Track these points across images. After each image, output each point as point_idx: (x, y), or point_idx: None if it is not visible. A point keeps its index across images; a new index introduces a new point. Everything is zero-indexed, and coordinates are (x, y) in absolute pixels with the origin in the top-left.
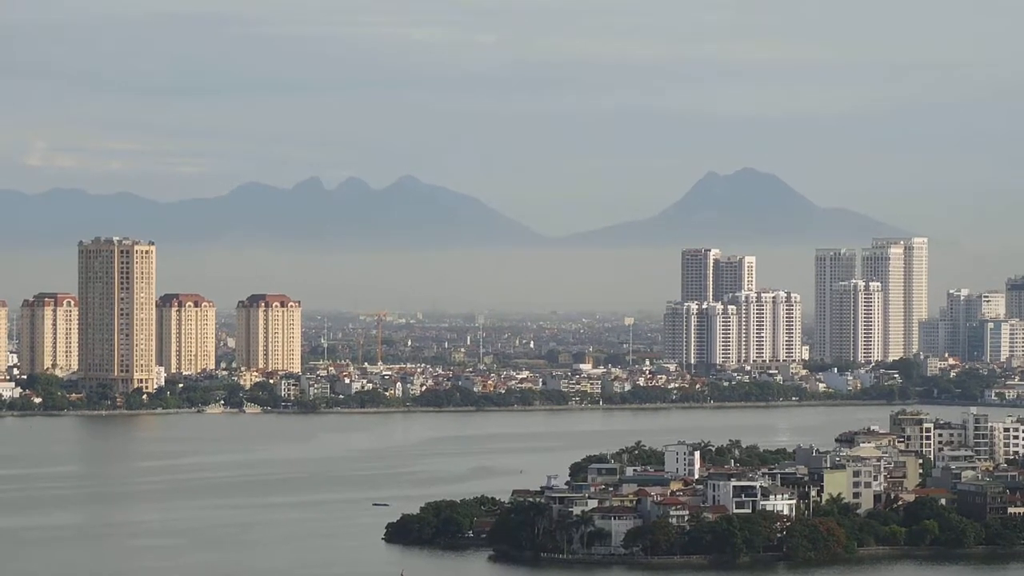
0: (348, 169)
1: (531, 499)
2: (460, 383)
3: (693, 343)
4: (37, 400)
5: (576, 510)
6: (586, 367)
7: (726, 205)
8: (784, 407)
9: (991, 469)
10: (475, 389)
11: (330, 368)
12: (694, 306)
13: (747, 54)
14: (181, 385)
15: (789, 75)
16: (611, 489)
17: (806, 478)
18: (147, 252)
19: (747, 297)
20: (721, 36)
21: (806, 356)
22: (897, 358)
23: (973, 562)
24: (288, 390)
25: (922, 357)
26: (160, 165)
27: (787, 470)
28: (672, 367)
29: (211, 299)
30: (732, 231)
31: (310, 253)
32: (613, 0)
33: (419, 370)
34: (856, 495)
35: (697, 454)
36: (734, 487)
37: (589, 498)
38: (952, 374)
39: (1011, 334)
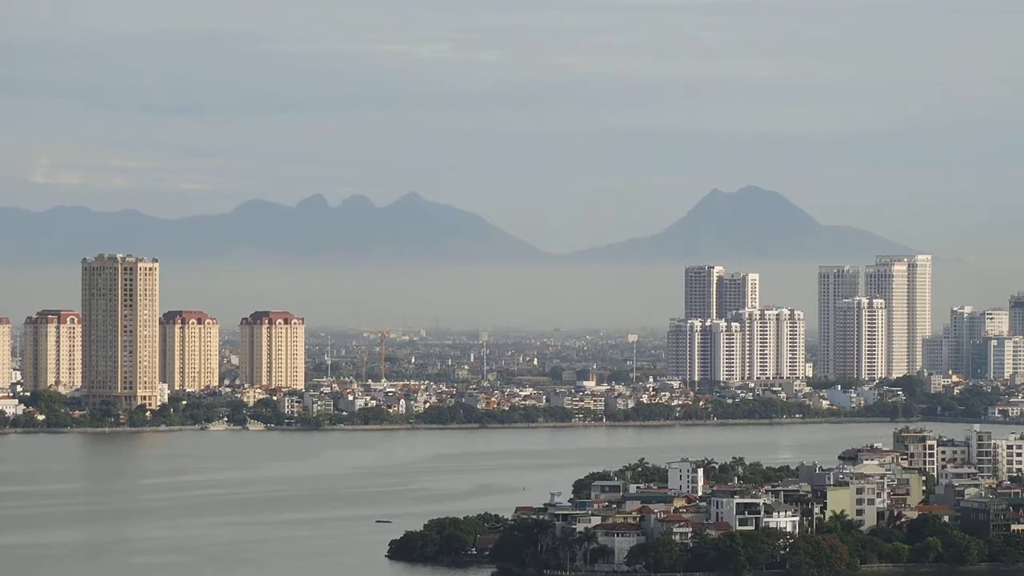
0: (352, 186)
1: (534, 516)
2: (464, 400)
3: (697, 360)
4: (40, 417)
5: (579, 527)
6: (590, 384)
7: (730, 222)
8: (788, 424)
9: (994, 486)
10: (479, 406)
11: (333, 385)
12: (698, 323)
13: (751, 72)
14: (184, 402)
15: (793, 93)
16: (614, 506)
17: (809, 495)
18: (151, 269)
19: (751, 314)
20: (725, 54)
21: (810, 373)
22: (901, 375)
23: None
24: (291, 407)
25: (926, 374)
26: (164, 182)
27: (790, 487)
28: (676, 384)
29: (215, 316)
30: (736, 248)
31: (314, 270)
32: (617, 18)
33: (423, 387)
34: (859, 512)
35: (700, 471)
36: (737, 504)
37: (592, 515)
38: (955, 391)
39: (1014, 352)
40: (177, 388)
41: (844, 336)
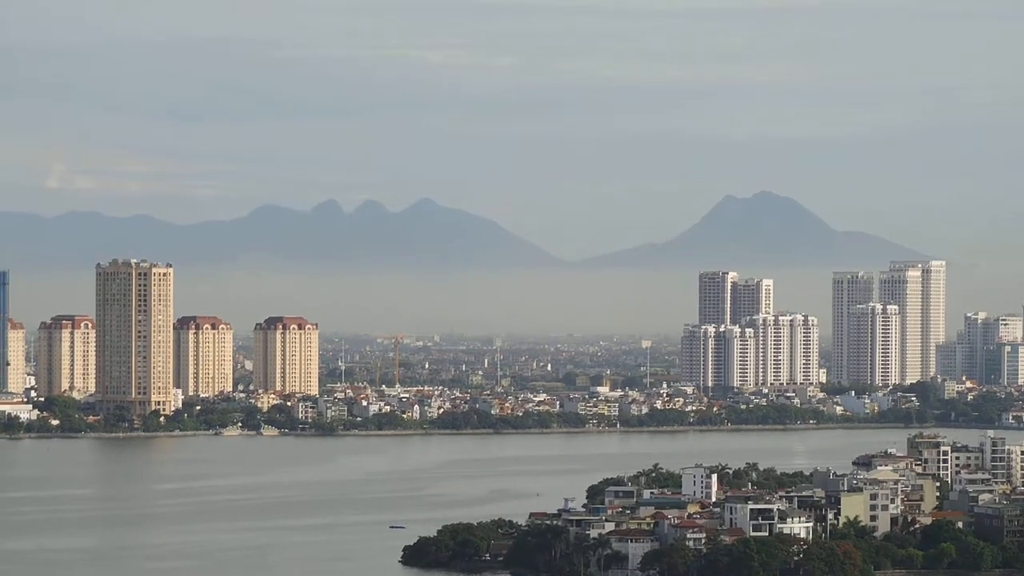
0: (366, 192)
1: (548, 522)
2: (477, 406)
3: (710, 366)
4: (55, 422)
5: (593, 533)
6: (603, 390)
7: (743, 228)
8: (801, 430)
9: (1008, 492)
10: (492, 412)
11: (347, 391)
12: (711, 329)
13: (764, 77)
14: (198, 407)
15: (807, 98)
16: (628, 512)
17: (823, 501)
18: (165, 274)
19: (764, 320)
20: (738, 60)
21: (823, 379)
22: (914, 381)
23: None
24: (305, 412)
25: (939, 380)
26: (178, 187)
27: (804, 493)
28: (689, 390)
29: (228, 321)
30: (749, 254)
31: (328, 276)
32: (630, 24)
33: (436, 392)
34: (873, 518)
35: (714, 477)
36: (751, 510)
37: (606, 521)
38: (969, 397)
39: None
40: (191, 393)
41: (858, 342)
